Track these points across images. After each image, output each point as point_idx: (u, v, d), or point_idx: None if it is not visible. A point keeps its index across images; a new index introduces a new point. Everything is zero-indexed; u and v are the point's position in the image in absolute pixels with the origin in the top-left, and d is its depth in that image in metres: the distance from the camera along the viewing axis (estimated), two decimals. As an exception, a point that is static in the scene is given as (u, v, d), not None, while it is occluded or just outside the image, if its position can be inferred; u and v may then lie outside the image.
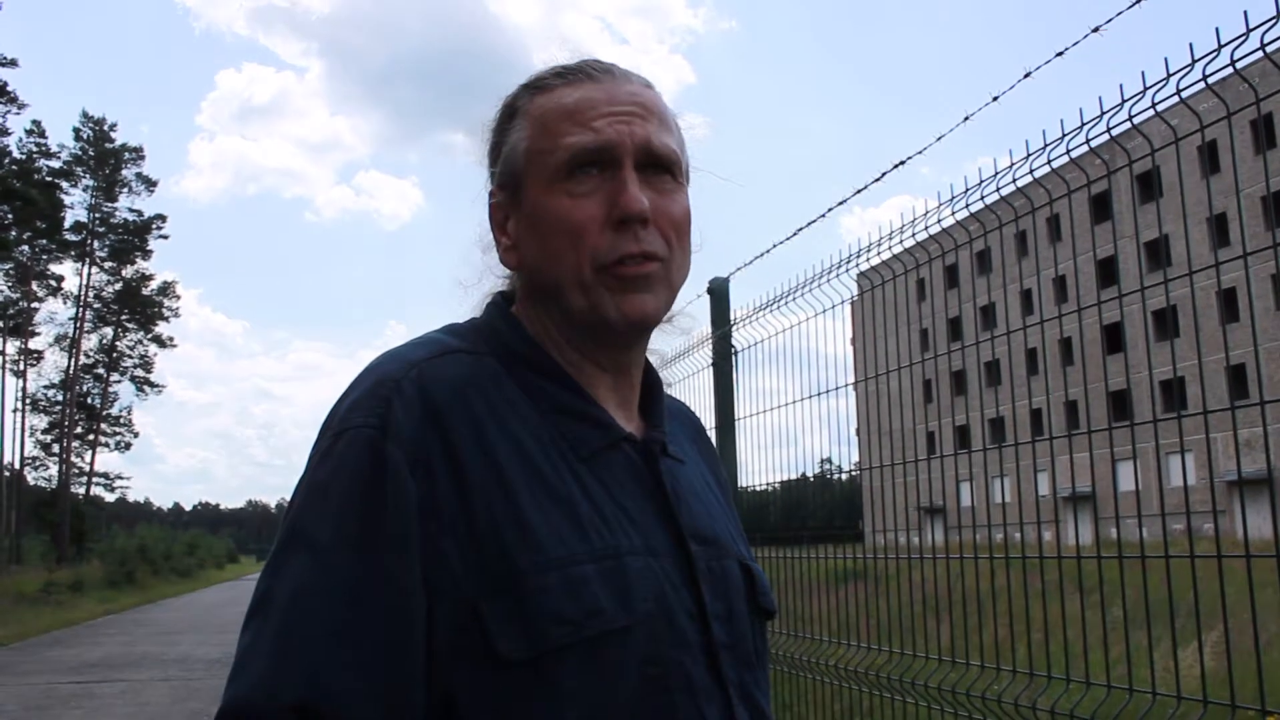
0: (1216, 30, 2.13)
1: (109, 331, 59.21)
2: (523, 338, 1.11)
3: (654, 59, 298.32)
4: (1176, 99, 2.27)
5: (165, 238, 60.59)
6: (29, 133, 49.01)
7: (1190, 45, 2.20)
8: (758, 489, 4.41)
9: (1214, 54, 2.14)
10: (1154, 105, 2.31)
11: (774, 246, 4.01)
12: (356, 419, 0.99)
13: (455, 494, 0.97)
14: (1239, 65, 2.13)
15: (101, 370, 59.23)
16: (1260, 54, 2.09)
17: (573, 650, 0.95)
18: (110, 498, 68.60)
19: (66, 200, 51.58)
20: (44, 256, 53.12)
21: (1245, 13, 2.08)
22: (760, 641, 1.16)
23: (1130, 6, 2.46)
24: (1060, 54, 2.75)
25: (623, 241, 1.05)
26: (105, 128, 56.85)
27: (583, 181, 1.07)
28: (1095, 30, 2.54)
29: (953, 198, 3.02)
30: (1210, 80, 2.19)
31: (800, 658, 4.00)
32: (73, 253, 55.10)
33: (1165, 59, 2.26)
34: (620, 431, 1.10)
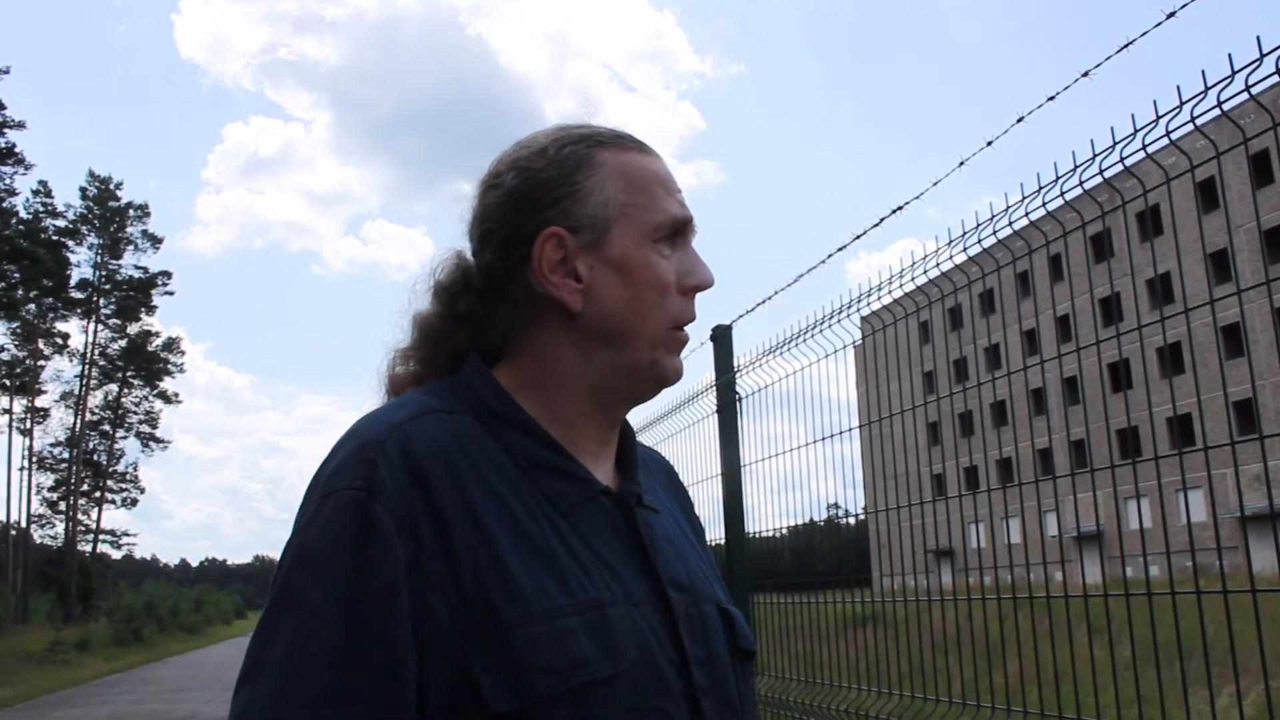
0: (1203, 73, 2.19)
1: (114, 388, 59.45)
2: (500, 395, 1.14)
3: (662, 105, 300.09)
4: (1166, 140, 2.32)
5: (170, 294, 61.16)
6: (35, 193, 49.74)
7: (1178, 88, 2.25)
8: (766, 535, 4.40)
9: (1201, 95, 2.19)
10: (1144, 147, 2.35)
11: (775, 294, 4.06)
12: (343, 481, 1.00)
13: (441, 552, 0.99)
14: (1225, 106, 2.18)
15: (107, 427, 59.39)
16: (1246, 95, 2.13)
17: (560, 701, 0.96)
18: (117, 555, 68.16)
19: (72, 258, 52.13)
20: (50, 314, 53.50)
21: (1230, 55, 2.13)
22: (743, 684, 1.17)
23: (1119, 51, 2.51)
24: (1052, 98, 2.80)
25: (690, 308, 1.18)
26: (111, 186, 57.55)
27: (666, 247, 1.16)
28: (1085, 75, 2.60)
29: (950, 241, 3.05)
30: (1199, 121, 2.24)
31: (814, 704, 3.98)
32: (78, 310, 55.57)
33: (1154, 102, 2.31)
34: (598, 484, 1.13)
